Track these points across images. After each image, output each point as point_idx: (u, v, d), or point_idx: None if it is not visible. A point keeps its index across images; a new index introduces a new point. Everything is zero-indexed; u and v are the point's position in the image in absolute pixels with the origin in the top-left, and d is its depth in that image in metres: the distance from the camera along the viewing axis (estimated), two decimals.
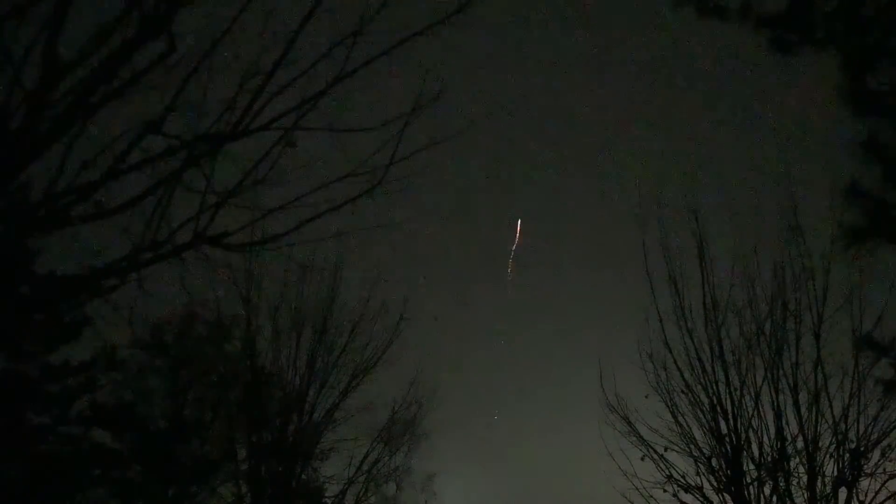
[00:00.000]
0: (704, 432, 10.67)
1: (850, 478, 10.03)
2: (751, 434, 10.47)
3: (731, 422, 10.52)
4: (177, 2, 6.40)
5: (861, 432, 10.09)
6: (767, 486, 10.36)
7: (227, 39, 6.62)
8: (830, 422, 10.18)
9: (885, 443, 10.06)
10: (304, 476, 14.13)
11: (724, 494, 10.46)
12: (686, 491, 10.56)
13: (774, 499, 10.31)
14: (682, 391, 10.78)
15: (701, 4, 6.25)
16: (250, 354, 13.94)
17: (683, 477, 10.58)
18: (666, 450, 10.70)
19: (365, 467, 14.30)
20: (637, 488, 10.59)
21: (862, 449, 10.04)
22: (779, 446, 10.34)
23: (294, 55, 6.69)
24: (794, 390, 10.34)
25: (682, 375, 10.78)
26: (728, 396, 10.58)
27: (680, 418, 10.79)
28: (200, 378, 14.40)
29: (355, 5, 6.82)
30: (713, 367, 10.67)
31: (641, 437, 10.90)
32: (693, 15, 6.30)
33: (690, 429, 10.74)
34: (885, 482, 10.01)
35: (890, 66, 5.61)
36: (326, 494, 14.48)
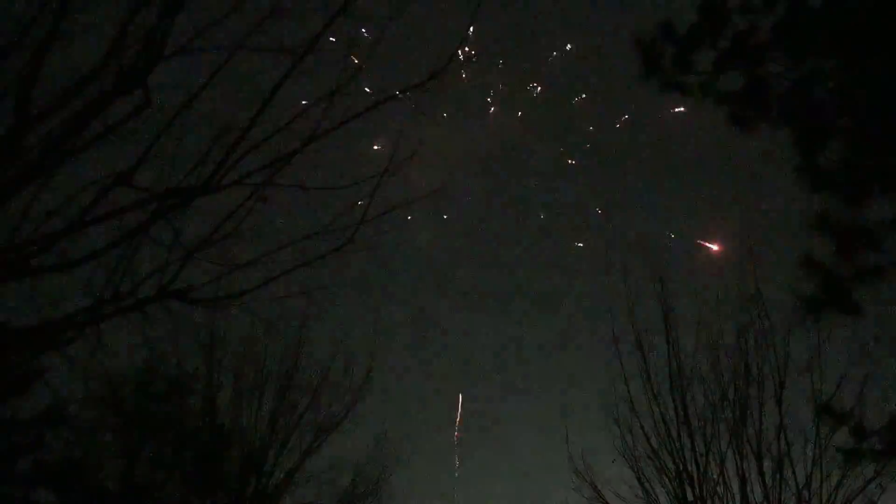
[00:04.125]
0: (671, 499, 10.59)
1: None
2: (716, 501, 10.41)
3: (697, 489, 10.45)
4: (156, 57, 6.47)
5: (825, 499, 10.11)
6: None
7: (204, 95, 6.69)
8: (794, 489, 10.19)
9: None
10: None
11: None
12: None
13: None
14: (649, 457, 10.74)
15: (664, 79, 6.56)
16: (210, 412, 13.48)
17: None
18: None
19: None
20: None
21: None
22: None
23: (269, 113, 6.78)
24: (759, 456, 10.36)
25: (649, 441, 10.77)
26: (694, 462, 10.55)
27: (646, 484, 10.72)
28: (156, 436, 13.82)
29: (332, 66, 6.99)
30: (679, 433, 10.67)
31: (608, 503, 10.82)
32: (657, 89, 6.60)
33: (657, 495, 10.66)
34: None
35: (840, 145, 5.92)
36: None
